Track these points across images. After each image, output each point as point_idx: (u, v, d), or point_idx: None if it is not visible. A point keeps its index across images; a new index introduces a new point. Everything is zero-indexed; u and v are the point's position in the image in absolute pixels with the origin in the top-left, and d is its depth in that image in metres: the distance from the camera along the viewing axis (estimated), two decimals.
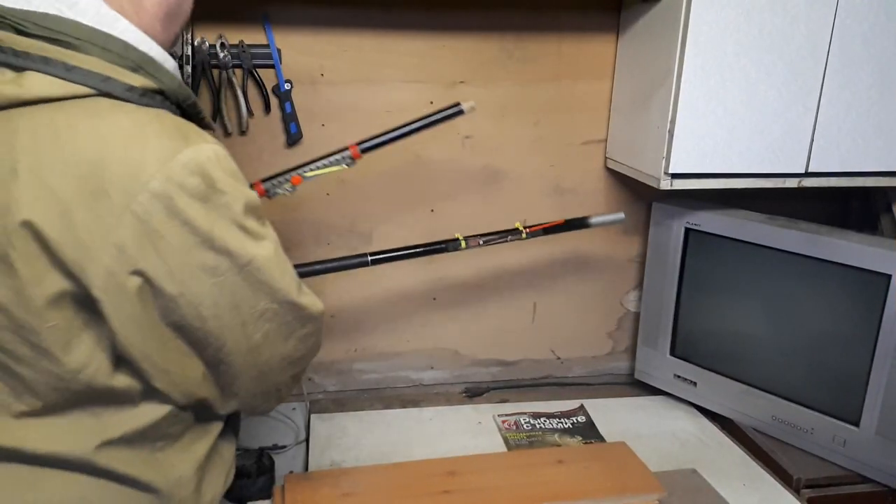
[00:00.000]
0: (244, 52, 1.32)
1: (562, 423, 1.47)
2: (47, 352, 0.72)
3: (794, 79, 1.24)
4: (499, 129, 1.48)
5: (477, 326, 1.61)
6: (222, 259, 0.73)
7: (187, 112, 0.81)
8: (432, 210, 1.51)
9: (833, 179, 1.33)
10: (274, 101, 1.37)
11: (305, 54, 1.36)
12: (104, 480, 0.78)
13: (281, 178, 1.17)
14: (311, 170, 1.17)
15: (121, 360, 0.76)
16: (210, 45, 1.30)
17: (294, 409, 1.50)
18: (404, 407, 1.53)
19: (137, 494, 0.80)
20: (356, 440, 1.38)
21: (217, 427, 0.89)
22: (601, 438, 1.42)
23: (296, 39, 1.35)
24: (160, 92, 0.76)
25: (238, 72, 1.33)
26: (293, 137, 1.39)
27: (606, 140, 1.52)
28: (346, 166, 1.17)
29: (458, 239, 1.29)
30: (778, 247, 1.33)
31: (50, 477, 0.77)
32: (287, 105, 1.37)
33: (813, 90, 1.26)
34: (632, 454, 1.29)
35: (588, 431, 1.45)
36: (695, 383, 1.50)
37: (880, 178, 1.34)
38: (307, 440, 1.38)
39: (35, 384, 0.73)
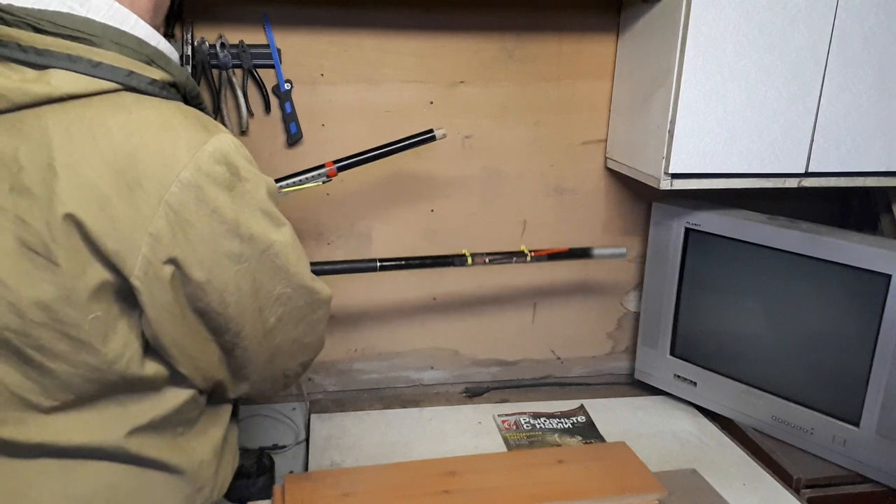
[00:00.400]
0: (244, 52, 1.32)
1: (562, 423, 1.47)
2: (87, 344, 0.73)
3: (794, 79, 1.25)
4: (499, 129, 1.48)
5: (477, 326, 1.61)
6: (246, 246, 0.76)
7: (191, 104, 0.82)
8: (432, 210, 1.51)
9: (833, 179, 1.33)
10: (274, 101, 1.37)
11: (305, 54, 1.36)
12: (134, 466, 0.80)
13: None
14: (289, 185, 1.20)
15: (149, 348, 0.78)
16: (210, 45, 1.30)
17: (294, 409, 1.50)
18: (404, 407, 1.53)
19: (166, 477, 0.82)
20: (356, 440, 1.38)
21: (227, 412, 0.92)
22: (601, 438, 1.42)
23: (296, 39, 1.35)
24: (174, 84, 0.78)
25: (238, 72, 1.33)
26: (293, 137, 1.39)
27: (606, 140, 1.52)
28: (321, 182, 1.21)
29: (464, 255, 1.34)
30: (778, 247, 1.33)
31: (81, 467, 0.78)
32: (287, 105, 1.37)
33: (813, 90, 1.26)
34: (632, 454, 1.29)
35: (588, 431, 1.45)
36: (695, 383, 1.50)
37: (880, 177, 1.34)
38: (307, 440, 1.38)
39: (69, 378, 0.74)
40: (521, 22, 1.42)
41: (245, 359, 0.85)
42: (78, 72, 0.71)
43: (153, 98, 0.75)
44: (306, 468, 1.30)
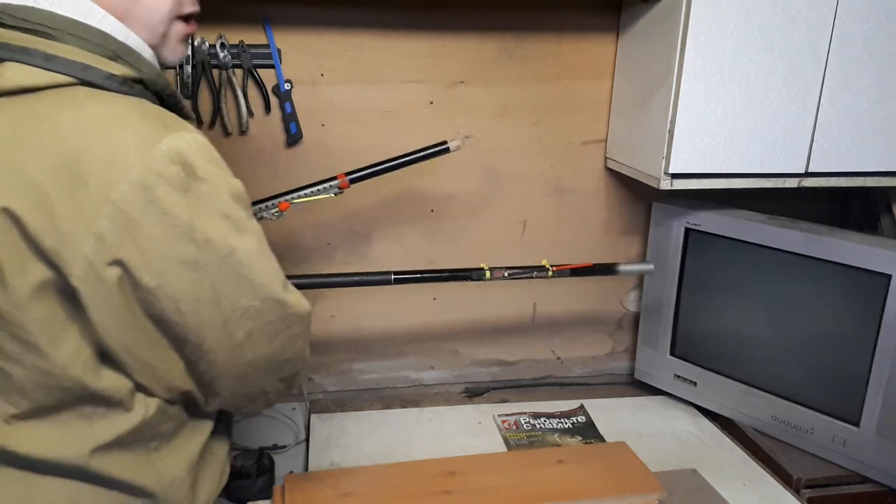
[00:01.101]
0: (244, 52, 1.32)
1: (562, 423, 1.47)
2: (35, 346, 0.71)
3: (794, 79, 1.24)
4: (499, 129, 1.48)
5: (477, 326, 1.61)
6: (203, 251, 0.71)
7: (167, 102, 0.80)
8: (432, 210, 1.51)
9: (833, 179, 1.33)
10: (274, 101, 1.37)
11: (305, 54, 1.36)
12: (97, 486, 0.77)
13: (269, 203, 1.18)
14: (300, 196, 1.19)
15: (106, 355, 0.75)
16: (210, 45, 1.31)
17: (294, 409, 1.50)
18: (404, 407, 1.53)
19: (130, 500, 0.79)
20: (356, 440, 1.38)
21: (209, 425, 0.88)
22: (601, 438, 1.42)
23: (296, 39, 1.35)
24: (140, 81, 0.76)
25: (238, 72, 1.33)
26: (293, 137, 1.39)
27: (606, 140, 1.52)
28: (333, 195, 1.20)
29: (483, 269, 1.29)
30: (778, 247, 1.33)
31: (41, 482, 0.76)
32: (287, 105, 1.37)
33: (813, 90, 1.26)
34: (632, 454, 1.29)
35: (588, 431, 1.45)
36: (695, 383, 1.50)
37: (880, 177, 1.34)
38: (307, 440, 1.38)
39: (24, 382, 0.72)
40: (521, 22, 1.42)
41: (213, 373, 0.80)
42: (32, 65, 0.69)
43: (110, 93, 0.72)
44: (306, 468, 1.30)
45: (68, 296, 0.70)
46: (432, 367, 1.63)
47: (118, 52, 0.75)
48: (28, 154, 0.67)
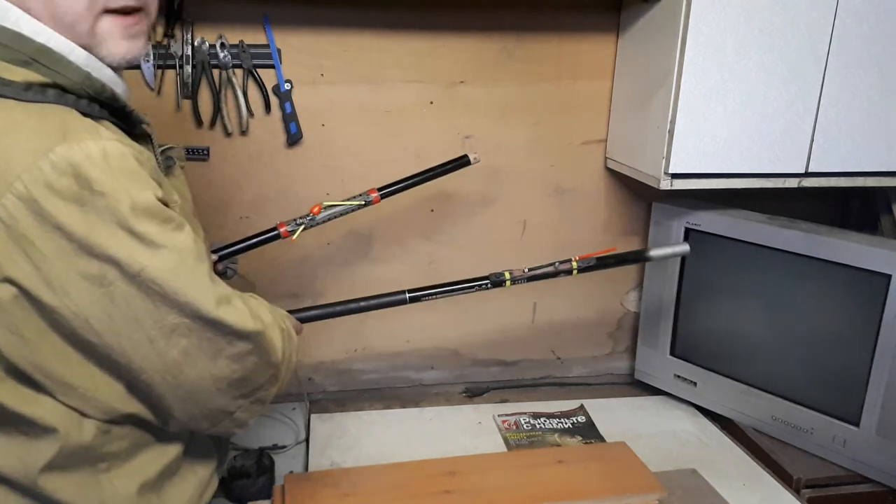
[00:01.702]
0: (244, 52, 1.32)
1: (562, 423, 1.47)
2: None
3: (794, 79, 1.24)
4: (499, 129, 1.48)
5: (477, 326, 1.61)
6: (107, 267, 0.67)
7: (112, 108, 0.76)
8: (432, 210, 1.51)
9: (833, 179, 1.33)
10: (274, 101, 1.37)
11: (305, 54, 1.36)
12: None
13: (302, 217, 1.21)
14: (333, 204, 1.21)
15: (23, 375, 0.71)
16: (210, 45, 1.31)
17: (294, 409, 1.50)
18: (404, 407, 1.52)
19: None
20: (356, 440, 1.38)
21: (176, 446, 0.84)
22: (601, 438, 1.42)
23: (296, 39, 1.35)
24: (55, 85, 0.70)
25: (238, 72, 1.33)
26: (293, 137, 1.39)
27: (606, 140, 1.52)
28: (364, 203, 1.23)
29: (502, 273, 1.16)
30: (778, 247, 1.33)
31: None
32: (287, 105, 1.37)
33: (813, 90, 1.26)
34: (632, 454, 1.29)
35: (588, 431, 1.45)
36: (695, 383, 1.50)
37: (880, 178, 1.34)
38: (307, 440, 1.38)
39: None
40: (521, 22, 1.42)
41: (155, 393, 0.76)
42: None
43: (10, 101, 0.67)
44: (306, 468, 1.29)
45: None
46: (432, 367, 1.62)
47: (33, 55, 0.70)
48: None
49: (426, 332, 1.59)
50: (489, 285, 1.16)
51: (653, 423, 1.49)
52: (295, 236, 1.20)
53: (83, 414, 0.75)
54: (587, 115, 1.50)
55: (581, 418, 1.49)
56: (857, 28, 1.23)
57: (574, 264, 1.15)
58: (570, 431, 1.44)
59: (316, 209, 1.20)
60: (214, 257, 1.15)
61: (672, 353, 1.52)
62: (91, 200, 0.65)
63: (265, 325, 0.80)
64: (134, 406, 0.77)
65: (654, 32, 1.31)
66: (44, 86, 0.69)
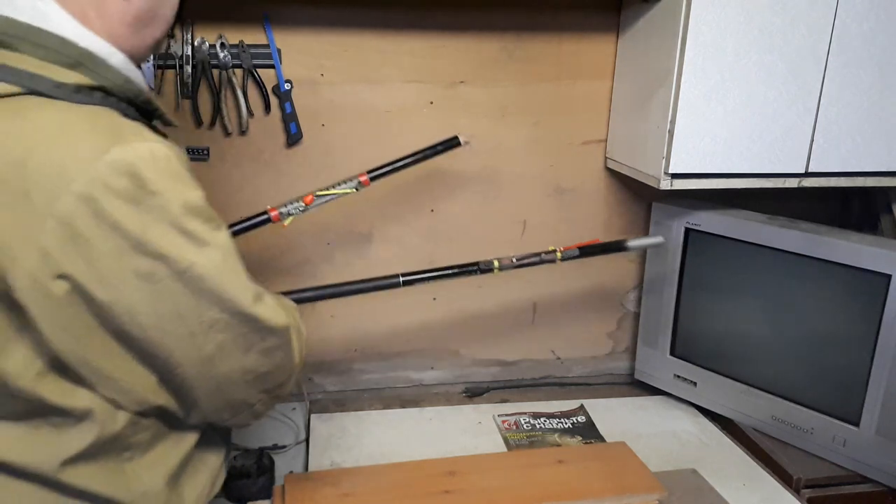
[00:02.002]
0: (244, 52, 1.32)
1: (562, 423, 1.47)
2: None
3: (794, 79, 1.24)
4: (499, 129, 1.48)
5: (477, 326, 1.61)
6: (158, 265, 0.69)
7: (143, 109, 0.78)
8: (432, 210, 1.51)
9: (833, 179, 1.33)
10: (274, 101, 1.37)
11: (305, 54, 1.36)
12: (66, 497, 0.76)
13: (295, 200, 1.21)
14: (323, 190, 1.22)
15: (64, 368, 0.73)
16: (210, 45, 1.31)
17: (294, 409, 1.50)
18: (404, 407, 1.52)
19: None
20: (356, 440, 1.38)
21: (193, 436, 0.86)
22: (601, 438, 1.42)
23: (296, 39, 1.35)
24: (101, 88, 0.73)
25: (238, 72, 1.33)
26: (293, 137, 1.39)
27: (606, 140, 1.52)
28: (355, 189, 1.23)
29: (492, 261, 1.24)
30: (778, 247, 1.33)
31: (11, 485, 0.75)
32: (287, 105, 1.37)
33: (813, 90, 1.26)
34: (632, 454, 1.29)
35: (588, 431, 1.45)
36: (695, 383, 1.50)
37: (880, 178, 1.34)
38: (307, 440, 1.38)
39: None
40: (521, 22, 1.42)
41: (186, 386, 0.78)
42: None
43: (62, 102, 0.69)
44: (306, 468, 1.30)
45: (16, 309, 0.68)
46: (432, 367, 1.63)
47: (79, 58, 0.72)
48: None
49: (426, 332, 1.59)
50: (479, 271, 1.24)
51: (653, 423, 1.49)
52: (286, 222, 1.20)
53: (117, 406, 0.76)
54: (587, 115, 1.50)
55: (581, 418, 1.49)
56: (858, 28, 1.23)
57: (558, 254, 1.25)
58: (570, 431, 1.44)
59: (308, 199, 1.20)
60: None
61: (672, 353, 1.52)
62: (145, 200, 0.67)
63: (291, 321, 0.83)
64: (163, 398, 0.78)
65: (654, 32, 1.31)
66: (91, 88, 0.71)
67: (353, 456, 1.33)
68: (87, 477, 0.76)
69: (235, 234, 1.18)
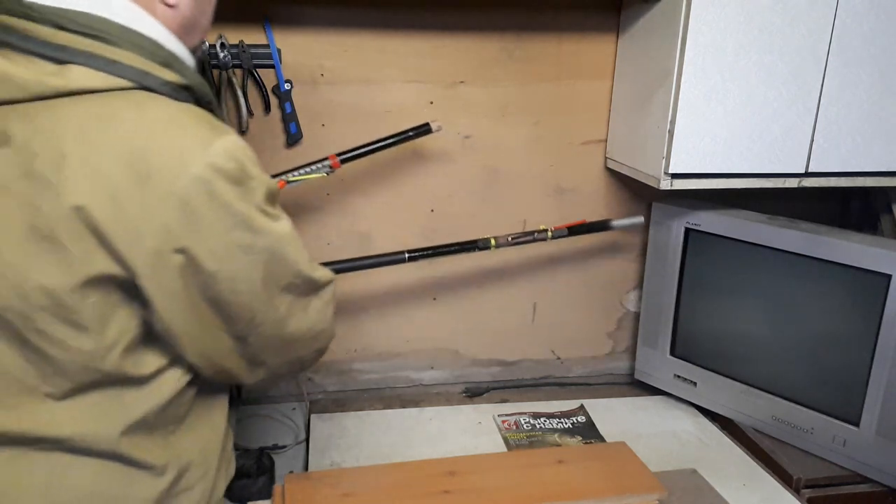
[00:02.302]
0: (244, 52, 1.32)
1: (562, 423, 1.47)
2: (85, 329, 0.75)
3: (794, 79, 1.24)
4: (499, 129, 1.48)
5: (477, 326, 1.61)
6: (256, 237, 0.78)
7: (204, 109, 0.85)
8: (432, 210, 1.51)
9: (833, 179, 1.33)
10: (274, 101, 1.37)
11: (305, 54, 1.36)
12: (123, 466, 0.81)
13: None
14: (295, 176, 1.25)
15: (147, 337, 0.80)
16: (210, 45, 1.30)
17: (294, 409, 1.50)
18: (404, 407, 1.52)
19: (153, 481, 0.83)
20: (356, 440, 1.38)
21: (221, 414, 0.93)
22: (601, 438, 1.42)
23: (296, 39, 1.35)
24: (187, 88, 0.81)
25: (238, 72, 1.33)
26: (293, 137, 1.39)
27: (606, 140, 1.52)
28: (325, 174, 1.27)
29: (489, 239, 1.37)
30: (778, 247, 1.33)
31: (68, 465, 0.79)
32: (287, 105, 1.37)
33: (813, 90, 1.26)
34: (632, 454, 1.29)
35: (588, 431, 1.45)
36: (695, 383, 1.50)
37: (880, 178, 1.34)
38: (307, 440, 1.38)
39: (66, 365, 0.76)
40: (521, 22, 1.42)
41: (260, 346, 0.87)
42: (95, 68, 0.74)
43: (165, 98, 0.77)
44: (306, 468, 1.30)
45: (124, 283, 0.75)
46: (432, 367, 1.63)
47: (168, 59, 0.79)
48: (99, 152, 0.71)
49: (426, 332, 1.59)
50: (477, 248, 1.37)
51: (653, 423, 1.49)
52: None
53: (193, 371, 0.85)
54: (587, 114, 1.50)
55: (581, 418, 1.49)
56: (858, 28, 1.23)
57: (549, 233, 1.39)
58: (570, 431, 1.44)
59: (280, 184, 1.22)
60: None
61: (672, 353, 1.52)
62: (246, 182, 0.77)
63: (331, 275, 0.95)
64: (233, 361, 0.87)
65: (654, 32, 1.31)
66: (183, 87, 0.80)
67: (353, 456, 1.33)
68: (142, 447, 0.82)
69: None
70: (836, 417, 1.32)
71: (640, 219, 1.45)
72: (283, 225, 0.83)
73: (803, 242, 1.30)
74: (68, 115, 0.72)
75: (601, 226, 1.44)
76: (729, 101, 1.24)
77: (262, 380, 0.93)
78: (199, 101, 0.83)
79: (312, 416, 1.46)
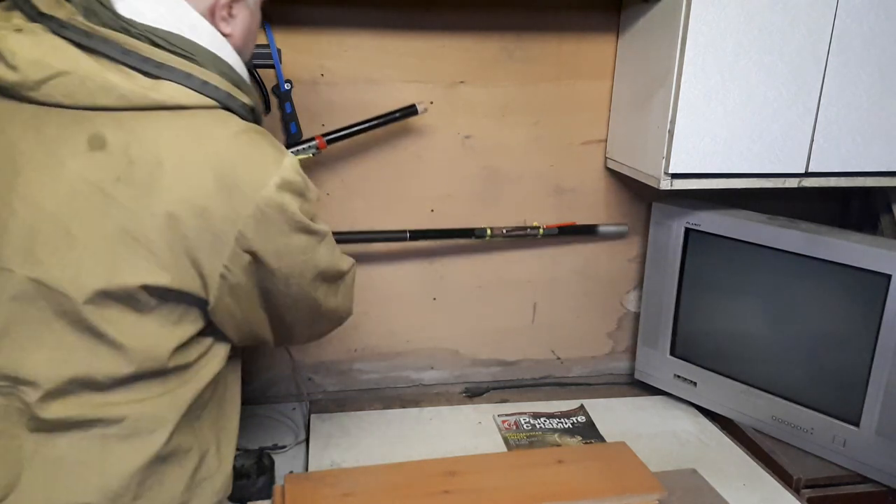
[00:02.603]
0: None
1: (562, 423, 1.47)
2: (160, 325, 0.82)
3: (794, 79, 1.24)
4: (499, 129, 1.48)
5: (477, 326, 1.61)
6: (311, 240, 0.89)
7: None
8: (432, 210, 1.51)
9: (833, 179, 1.33)
10: (274, 101, 1.37)
11: (305, 54, 1.36)
12: (176, 451, 0.86)
13: None
14: None
15: (211, 328, 0.88)
16: None
17: (294, 409, 1.50)
18: (404, 407, 1.52)
19: (184, 462, 0.88)
20: (356, 440, 1.38)
21: (233, 405, 0.99)
22: (601, 438, 1.42)
23: (296, 39, 1.35)
24: (252, 109, 0.90)
25: None
26: (293, 137, 1.38)
27: (606, 140, 1.52)
28: (311, 154, 1.31)
29: (485, 229, 1.47)
30: (778, 247, 1.33)
31: (119, 447, 0.82)
32: (287, 105, 1.37)
33: (813, 90, 1.26)
34: (632, 454, 1.29)
35: (588, 431, 1.45)
36: (695, 383, 1.50)
37: (880, 177, 1.34)
38: (307, 440, 1.38)
39: (135, 356, 0.81)
40: (521, 22, 1.41)
41: (292, 321, 0.97)
42: (188, 86, 0.81)
43: (239, 118, 0.86)
44: (306, 468, 1.30)
45: (201, 281, 0.83)
46: (432, 367, 1.62)
47: (237, 82, 0.88)
48: (193, 163, 0.79)
49: (426, 332, 1.59)
50: (474, 236, 1.47)
51: (653, 423, 1.49)
52: None
53: (230, 340, 0.93)
54: (587, 114, 1.50)
55: (581, 418, 1.49)
56: (858, 28, 1.23)
57: (541, 231, 1.50)
58: (570, 431, 1.44)
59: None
60: None
61: (672, 353, 1.52)
62: (306, 193, 0.87)
63: (351, 261, 1.04)
64: (266, 332, 0.96)
65: (654, 32, 1.31)
66: (251, 108, 0.89)
67: (353, 456, 1.33)
68: (184, 432, 0.88)
69: None
70: (837, 417, 1.31)
71: (625, 227, 1.56)
72: (325, 227, 0.92)
73: (803, 242, 1.30)
74: (164, 127, 0.79)
75: (587, 229, 1.55)
76: (729, 101, 1.24)
77: (281, 343, 1.04)
78: (257, 120, 0.92)
79: (312, 416, 1.46)
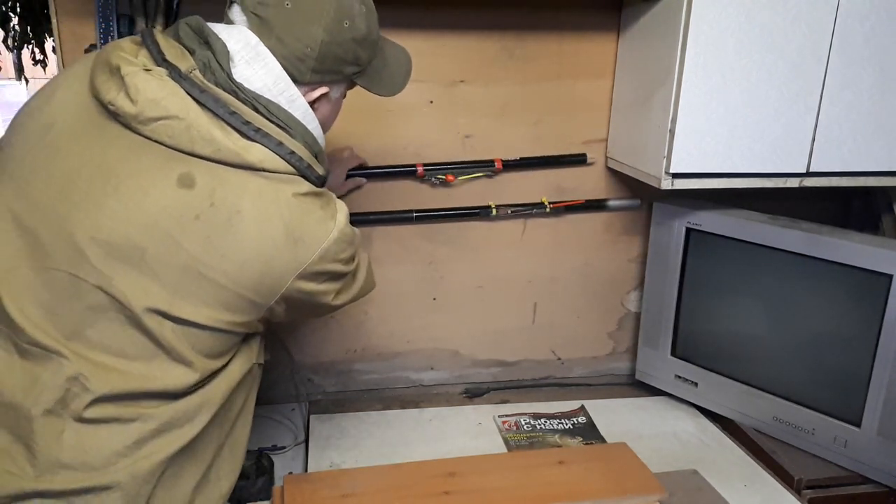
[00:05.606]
0: None
1: (562, 423, 1.47)
2: (214, 354, 0.93)
3: (794, 78, 1.24)
4: (499, 129, 1.47)
5: (477, 326, 1.60)
6: (348, 271, 1.00)
7: None
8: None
9: (834, 179, 1.32)
10: None
11: None
12: (193, 448, 0.93)
13: None
14: None
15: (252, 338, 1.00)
16: None
17: (293, 409, 1.49)
18: (404, 408, 1.52)
19: (213, 447, 0.97)
20: (356, 441, 1.38)
21: (246, 406, 1.04)
22: (602, 439, 1.42)
23: None
24: (324, 178, 0.98)
25: None
26: None
27: (607, 139, 1.52)
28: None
29: (489, 206, 1.49)
30: (779, 247, 1.33)
31: (158, 440, 0.90)
32: None
33: (814, 90, 1.25)
34: (632, 455, 1.29)
35: (589, 432, 1.44)
36: (696, 384, 1.50)
37: (881, 177, 1.34)
38: (307, 441, 1.38)
39: (197, 364, 0.91)
40: (522, 21, 1.41)
41: (305, 314, 1.13)
42: (276, 153, 0.90)
43: (313, 187, 0.95)
44: (306, 469, 1.29)
45: (255, 312, 0.94)
46: (432, 368, 1.62)
47: (318, 153, 0.98)
48: (268, 214, 0.89)
49: (426, 332, 1.59)
50: (479, 214, 1.50)
51: (654, 423, 1.48)
52: None
53: (257, 330, 1.01)
54: (588, 114, 1.50)
55: (582, 419, 1.49)
56: (859, 27, 1.23)
57: (547, 208, 1.51)
58: (571, 432, 1.44)
59: None
60: None
61: (673, 354, 1.52)
62: (353, 241, 0.99)
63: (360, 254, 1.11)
64: (283, 319, 1.01)
65: (654, 31, 1.30)
66: (323, 179, 0.98)
67: (353, 457, 1.33)
68: (217, 428, 0.96)
69: None
70: (838, 418, 1.31)
71: (637, 201, 1.54)
72: (362, 255, 1.06)
73: (804, 242, 1.30)
74: (248, 182, 0.88)
75: (597, 205, 1.53)
76: (730, 101, 1.24)
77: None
78: (323, 184, 1.00)
79: (312, 416, 1.46)
